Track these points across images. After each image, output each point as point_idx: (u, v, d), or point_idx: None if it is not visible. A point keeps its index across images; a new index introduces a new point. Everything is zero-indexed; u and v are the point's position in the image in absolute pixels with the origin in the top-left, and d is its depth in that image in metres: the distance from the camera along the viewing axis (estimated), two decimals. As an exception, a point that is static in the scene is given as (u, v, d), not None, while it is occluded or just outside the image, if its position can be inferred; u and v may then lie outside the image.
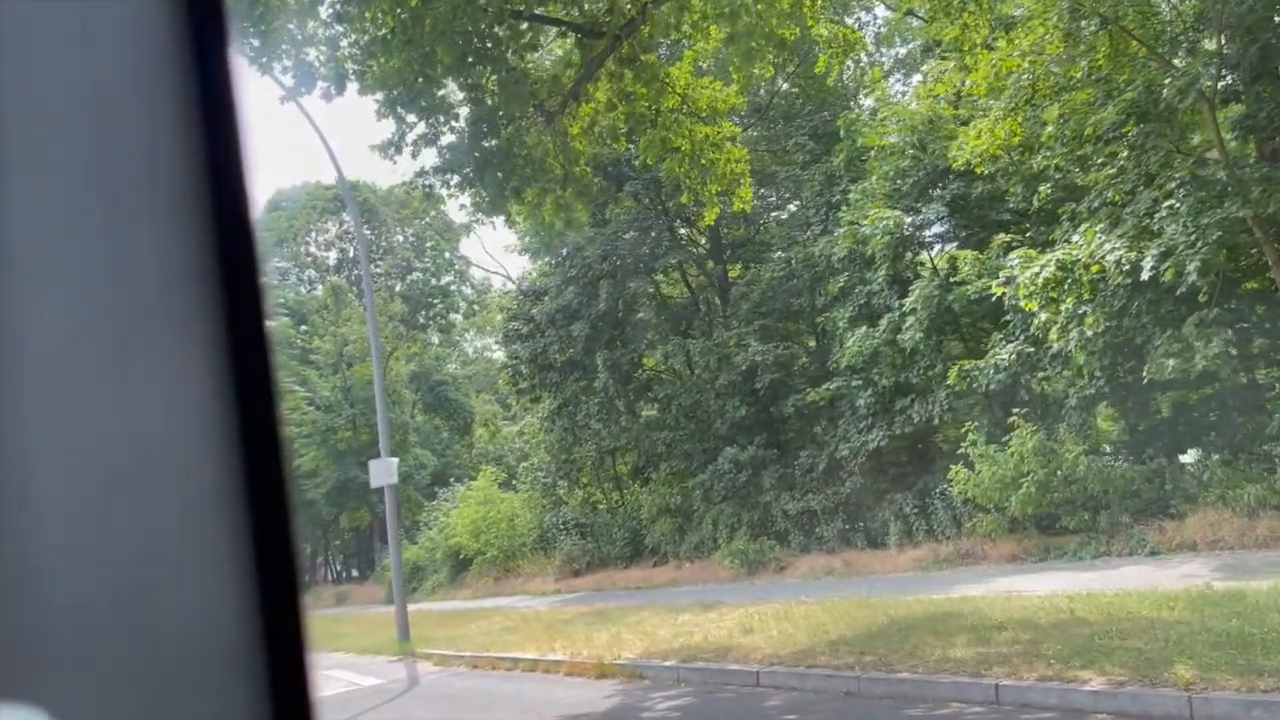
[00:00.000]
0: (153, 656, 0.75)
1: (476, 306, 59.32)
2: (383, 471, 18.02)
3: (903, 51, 23.39)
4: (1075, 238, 13.24)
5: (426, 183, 12.06)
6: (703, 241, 25.89)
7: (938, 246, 18.57)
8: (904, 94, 21.56)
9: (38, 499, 0.73)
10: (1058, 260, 12.71)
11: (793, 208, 24.97)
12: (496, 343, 58.84)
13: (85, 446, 0.75)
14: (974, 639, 8.60)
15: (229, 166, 0.82)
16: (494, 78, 10.55)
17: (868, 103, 24.72)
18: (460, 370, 52.04)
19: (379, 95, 11.11)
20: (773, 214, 25.87)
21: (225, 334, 0.80)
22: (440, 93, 11.46)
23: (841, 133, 20.55)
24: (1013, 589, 11.66)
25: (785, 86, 24.58)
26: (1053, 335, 13.37)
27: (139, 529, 0.75)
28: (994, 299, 16.40)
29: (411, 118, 11.52)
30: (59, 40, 0.79)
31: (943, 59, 18.54)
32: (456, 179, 11.64)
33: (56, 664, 0.72)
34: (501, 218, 15.98)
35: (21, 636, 0.70)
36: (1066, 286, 12.78)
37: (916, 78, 23.64)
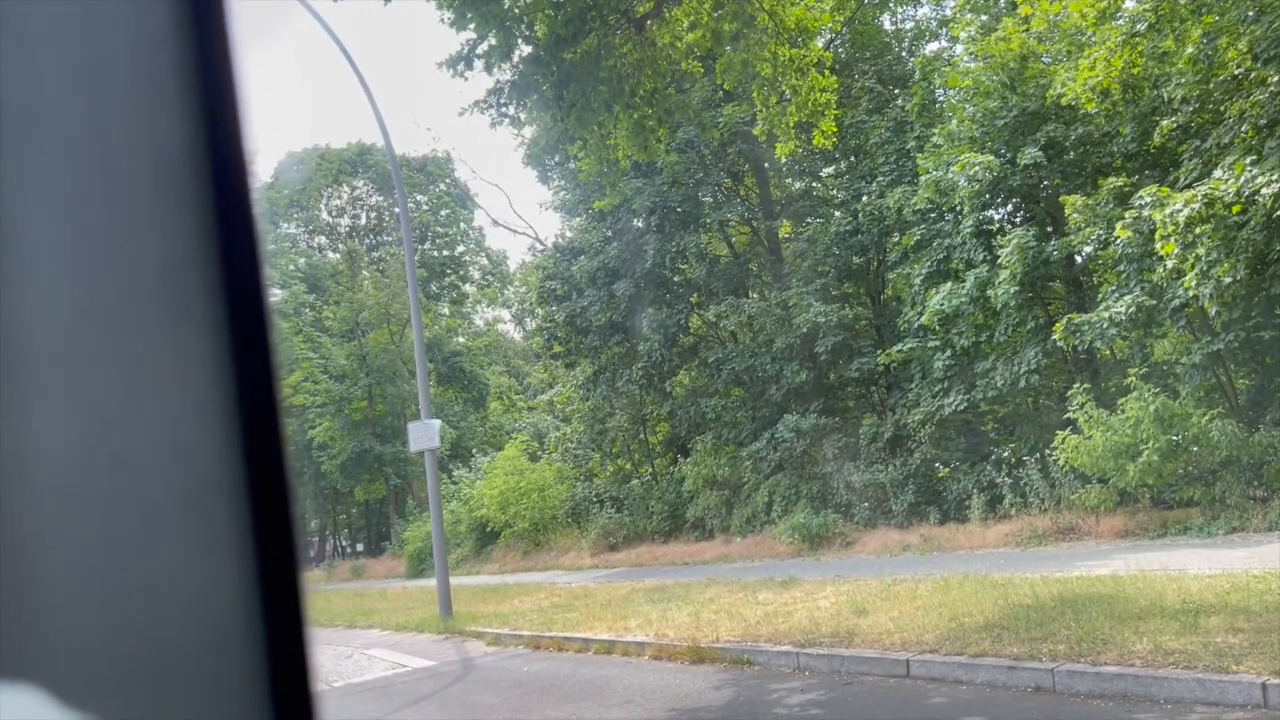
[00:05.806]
0: (152, 639, 0.73)
1: (490, 277, 57.75)
2: (423, 434, 16.63)
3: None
4: (1217, 173, 11.71)
5: (502, 101, 10.50)
6: (753, 197, 24.24)
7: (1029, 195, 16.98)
8: (978, 35, 19.83)
9: (38, 483, 0.72)
10: (1204, 195, 11.18)
11: (843, 162, 23.30)
12: (512, 314, 57.63)
13: (85, 430, 0.74)
14: (1180, 626, 7.17)
15: (229, 147, 0.80)
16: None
17: (932, 47, 23.12)
18: (471, 342, 50.57)
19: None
20: (825, 169, 24.17)
21: (225, 316, 0.78)
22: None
23: (916, 74, 18.94)
24: (1162, 567, 10.23)
25: (839, 38, 22.92)
26: (1188, 283, 11.86)
27: (139, 513, 0.74)
28: (1094, 249, 14.93)
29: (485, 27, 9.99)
30: (56, 21, 0.76)
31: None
32: (536, 96, 10.09)
33: (57, 647, 0.71)
34: (547, 166, 14.53)
35: (21, 619, 0.70)
36: (1211, 226, 11.25)
37: (963, 33, 21.91)
